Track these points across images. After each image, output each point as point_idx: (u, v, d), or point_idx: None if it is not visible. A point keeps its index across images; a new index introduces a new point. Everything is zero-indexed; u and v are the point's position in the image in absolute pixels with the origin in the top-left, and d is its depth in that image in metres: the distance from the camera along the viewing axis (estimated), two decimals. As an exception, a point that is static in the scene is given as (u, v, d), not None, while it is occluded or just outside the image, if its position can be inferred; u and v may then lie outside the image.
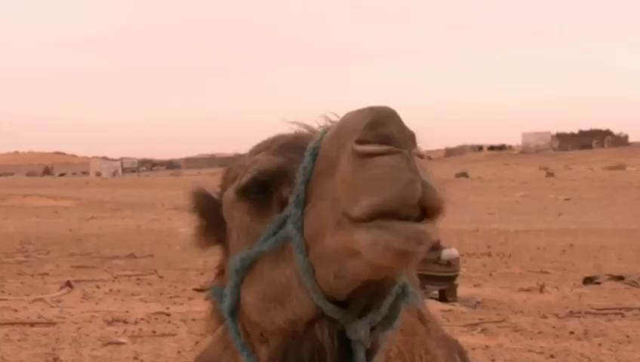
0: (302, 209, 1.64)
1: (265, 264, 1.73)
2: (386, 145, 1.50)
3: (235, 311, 1.83)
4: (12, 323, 10.73)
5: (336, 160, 1.57)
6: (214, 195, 1.93)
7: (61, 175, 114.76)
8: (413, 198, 1.48)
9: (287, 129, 1.89)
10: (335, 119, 1.89)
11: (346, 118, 1.60)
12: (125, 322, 10.90)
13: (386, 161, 1.49)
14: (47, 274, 15.37)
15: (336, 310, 1.63)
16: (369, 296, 1.64)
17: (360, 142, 1.51)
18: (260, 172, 1.76)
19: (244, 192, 1.79)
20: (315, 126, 1.85)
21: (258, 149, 1.87)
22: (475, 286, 14.44)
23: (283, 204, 1.71)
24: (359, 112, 1.55)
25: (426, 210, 1.52)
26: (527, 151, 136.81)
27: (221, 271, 1.99)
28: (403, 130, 1.52)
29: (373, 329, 1.68)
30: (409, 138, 1.52)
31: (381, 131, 1.50)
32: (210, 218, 1.90)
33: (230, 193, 1.85)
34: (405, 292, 1.71)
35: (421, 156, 1.52)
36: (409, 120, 1.57)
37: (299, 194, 1.64)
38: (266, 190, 1.76)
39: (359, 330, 1.65)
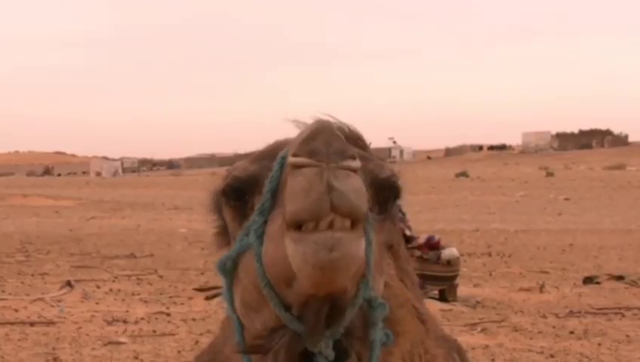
0: (265, 217, 1.67)
1: (240, 270, 1.76)
2: (311, 158, 1.55)
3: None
4: (12, 323, 10.73)
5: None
6: None
7: (59, 175, 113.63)
8: (321, 212, 1.52)
9: (288, 128, 1.90)
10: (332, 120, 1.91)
11: (300, 131, 1.67)
12: (125, 322, 10.90)
13: (304, 173, 1.54)
14: (47, 274, 15.36)
15: (293, 320, 1.64)
16: (325, 309, 1.63)
17: (294, 154, 1.58)
18: (234, 179, 1.84)
19: (225, 197, 1.87)
20: None
21: (253, 155, 1.92)
22: (475, 286, 14.44)
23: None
24: (307, 126, 1.64)
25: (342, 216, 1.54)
26: (527, 151, 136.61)
27: None
28: (329, 144, 1.56)
29: (339, 342, 1.68)
30: (334, 152, 1.56)
31: (310, 145, 1.56)
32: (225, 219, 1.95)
33: (220, 196, 1.92)
34: (373, 305, 1.72)
35: (353, 170, 1.56)
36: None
37: (264, 202, 1.68)
38: (241, 197, 1.82)
39: (319, 342, 1.65)
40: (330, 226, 1.52)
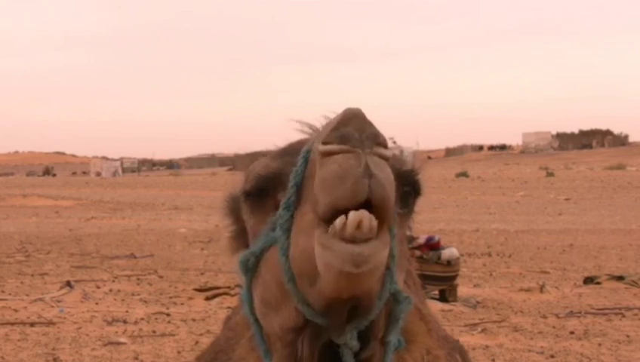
0: (291, 212, 1.64)
1: (262, 267, 1.73)
2: (343, 144, 1.52)
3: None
4: (12, 323, 10.72)
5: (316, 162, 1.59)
6: None
7: (54, 175, 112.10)
8: (360, 196, 1.50)
9: (289, 129, 1.89)
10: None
11: (326, 121, 1.64)
12: (125, 322, 10.89)
13: (338, 159, 1.51)
14: (47, 274, 15.37)
15: (317, 314, 1.62)
16: (347, 309, 1.62)
17: (325, 142, 1.54)
18: (257, 177, 1.80)
19: (247, 196, 1.83)
20: (318, 125, 1.85)
21: (274, 153, 1.88)
22: (475, 286, 14.43)
23: (278, 207, 1.71)
24: (335, 115, 1.59)
25: (373, 206, 1.52)
26: (527, 151, 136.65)
27: None
28: (362, 130, 1.53)
29: (365, 336, 1.67)
30: (368, 137, 1.53)
31: (341, 131, 1.53)
32: (242, 222, 1.92)
33: (241, 196, 1.88)
34: (398, 299, 1.70)
35: (385, 158, 1.54)
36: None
37: (289, 197, 1.65)
38: (264, 194, 1.78)
39: (345, 334, 1.63)
40: (359, 227, 1.49)
